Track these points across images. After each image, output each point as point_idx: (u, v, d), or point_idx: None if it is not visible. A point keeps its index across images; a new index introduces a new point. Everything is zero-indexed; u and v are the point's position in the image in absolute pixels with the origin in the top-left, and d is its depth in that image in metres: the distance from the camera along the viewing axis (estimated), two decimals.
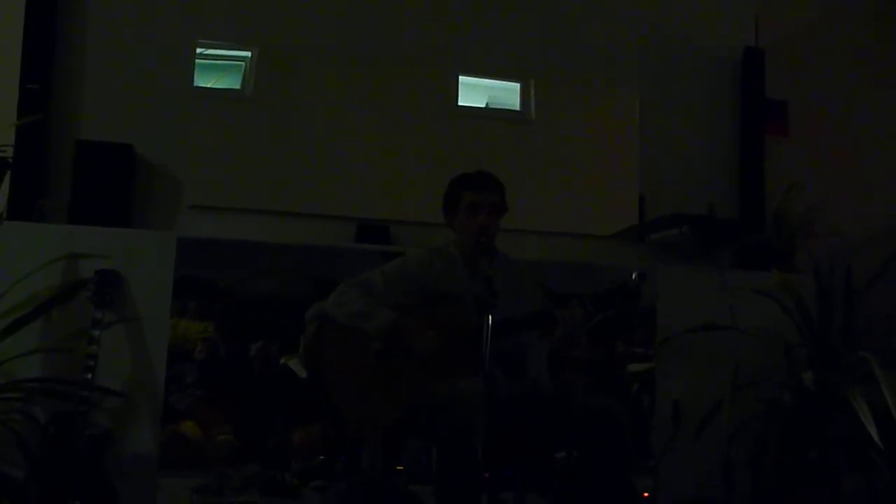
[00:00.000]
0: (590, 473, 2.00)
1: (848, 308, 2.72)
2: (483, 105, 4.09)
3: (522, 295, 2.20)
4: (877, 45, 4.14)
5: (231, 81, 3.79)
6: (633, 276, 2.13)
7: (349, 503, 2.54)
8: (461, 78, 3.94)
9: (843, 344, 2.66)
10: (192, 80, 3.61)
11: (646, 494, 2.68)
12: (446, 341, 2.07)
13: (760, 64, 4.01)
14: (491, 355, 1.87)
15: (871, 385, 2.45)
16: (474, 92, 3.99)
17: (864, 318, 2.70)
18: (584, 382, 3.31)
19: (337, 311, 2.16)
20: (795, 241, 3.55)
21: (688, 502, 2.71)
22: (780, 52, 4.05)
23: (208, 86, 3.71)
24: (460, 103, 3.98)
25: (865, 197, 3.94)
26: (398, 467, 2.43)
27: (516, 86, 4.02)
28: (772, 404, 2.60)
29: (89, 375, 2.36)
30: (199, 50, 3.66)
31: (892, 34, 4.16)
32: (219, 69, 3.80)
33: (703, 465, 2.60)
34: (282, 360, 3.65)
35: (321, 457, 3.11)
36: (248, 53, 3.77)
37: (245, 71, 3.81)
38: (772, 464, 2.52)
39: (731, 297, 2.75)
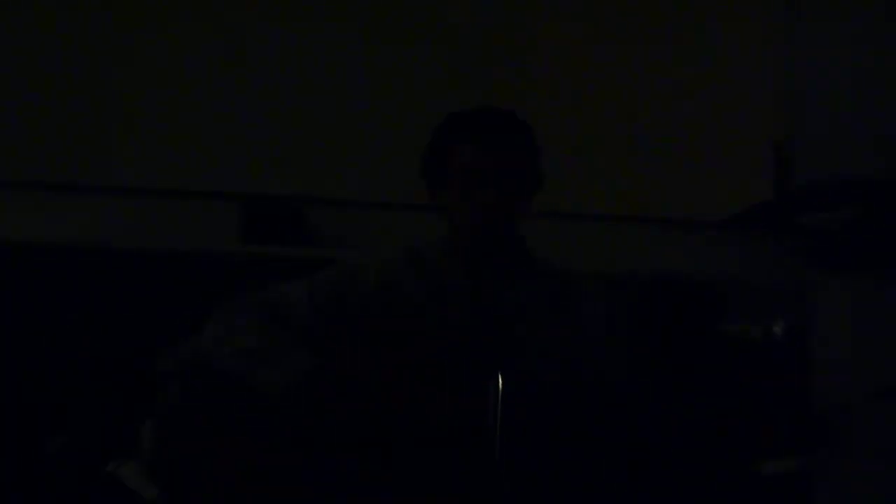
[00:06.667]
0: None
1: None
2: None
3: (575, 340, 1.69)
4: None
5: None
6: (775, 329, 2.01)
7: None
8: None
9: None
10: None
11: None
12: (422, 417, 1.56)
13: None
14: (507, 450, 1.45)
15: None
16: None
17: None
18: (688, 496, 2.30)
19: (217, 347, 1.61)
20: None
21: None
22: None
23: None
24: None
25: None
26: None
27: None
28: None
29: None
30: None
31: None
32: None
33: None
34: (108, 467, 2.34)
35: None
36: None
37: None
38: None
39: None
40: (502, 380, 1.50)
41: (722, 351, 2.24)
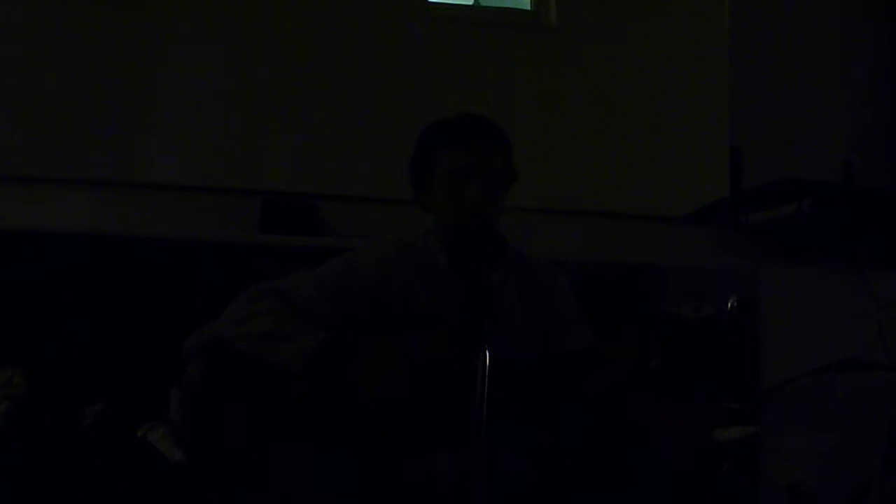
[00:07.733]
0: None
1: None
2: (470, 2, 3.46)
3: (547, 319, 1.83)
4: None
5: None
6: (730, 305, 2.07)
7: None
8: None
9: None
10: None
11: None
12: (417, 389, 1.68)
13: None
14: (491, 415, 1.53)
15: None
16: None
17: None
18: (644, 460, 2.43)
19: (236, 331, 1.72)
20: None
21: None
22: None
23: None
24: None
25: None
26: None
27: None
28: None
29: None
30: None
31: None
32: None
33: None
34: (138, 432, 2.64)
35: None
36: None
37: None
38: None
39: (883, 316, 2.26)
40: (489, 354, 1.59)
41: (681, 329, 2.36)
